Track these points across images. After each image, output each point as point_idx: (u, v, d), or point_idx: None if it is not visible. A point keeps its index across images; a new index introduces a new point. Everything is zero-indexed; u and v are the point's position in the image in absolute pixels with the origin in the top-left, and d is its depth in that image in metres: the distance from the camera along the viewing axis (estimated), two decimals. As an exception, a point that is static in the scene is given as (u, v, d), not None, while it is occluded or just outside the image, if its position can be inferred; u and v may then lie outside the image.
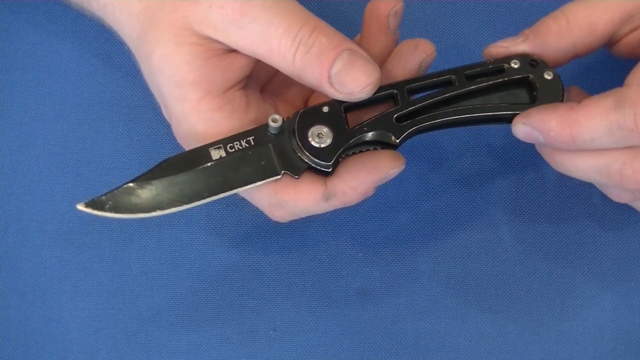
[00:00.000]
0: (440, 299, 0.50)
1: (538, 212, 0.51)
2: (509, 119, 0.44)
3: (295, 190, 0.44)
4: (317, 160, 0.43)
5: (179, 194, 0.42)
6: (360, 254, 0.51)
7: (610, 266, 0.50)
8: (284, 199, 0.44)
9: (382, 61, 0.46)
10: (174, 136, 0.47)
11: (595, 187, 0.51)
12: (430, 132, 0.45)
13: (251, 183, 0.43)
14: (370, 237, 0.51)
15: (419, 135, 0.45)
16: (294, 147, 0.43)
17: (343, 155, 0.44)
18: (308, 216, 0.48)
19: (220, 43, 0.43)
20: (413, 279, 0.50)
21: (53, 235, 0.51)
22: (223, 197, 0.43)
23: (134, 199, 0.42)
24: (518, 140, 0.52)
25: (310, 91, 0.48)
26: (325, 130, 0.43)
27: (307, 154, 0.43)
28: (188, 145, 0.46)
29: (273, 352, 0.49)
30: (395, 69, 0.45)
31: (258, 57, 0.43)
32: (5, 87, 0.54)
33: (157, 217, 0.43)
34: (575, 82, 0.46)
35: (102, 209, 0.42)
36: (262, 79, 0.48)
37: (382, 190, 0.48)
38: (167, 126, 0.47)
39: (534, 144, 0.45)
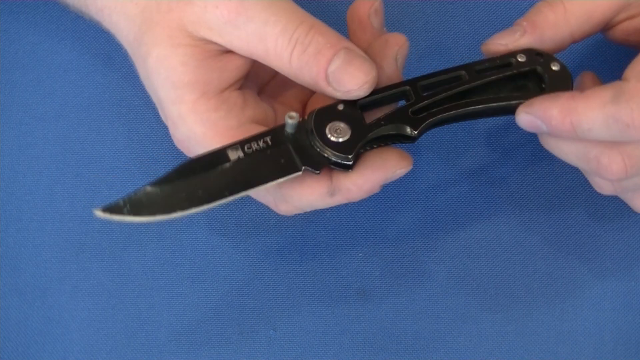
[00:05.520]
0: (440, 299, 0.50)
1: (538, 212, 0.51)
2: None
3: (301, 186, 0.43)
4: (337, 154, 0.43)
5: (199, 194, 0.42)
6: (360, 254, 0.51)
7: (610, 266, 0.50)
8: (289, 193, 0.44)
9: None
10: (173, 137, 0.47)
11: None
12: (442, 128, 0.45)
13: (272, 180, 0.42)
14: (370, 237, 0.51)
15: (428, 132, 0.45)
16: (312, 144, 0.43)
17: (361, 150, 0.44)
18: (309, 216, 0.48)
19: (216, 44, 0.43)
20: (413, 279, 0.50)
21: (53, 235, 0.51)
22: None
23: (153, 201, 0.41)
24: (519, 139, 0.53)
25: (308, 94, 0.48)
26: (342, 125, 0.43)
27: (327, 148, 0.43)
28: (186, 148, 0.46)
29: (273, 352, 0.49)
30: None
31: (254, 57, 0.43)
32: (5, 87, 0.54)
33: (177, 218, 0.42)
34: (574, 69, 0.46)
35: (120, 213, 0.41)
36: (260, 81, 0.48)
37: (383, 191, 0.48)
38: (166, 126, 0.47)
39: (529, 145, 0.45)
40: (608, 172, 0.42)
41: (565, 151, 0.44)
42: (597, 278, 0.50)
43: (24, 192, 0.52)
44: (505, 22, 0.54)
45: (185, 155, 0.47)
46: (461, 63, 0.45)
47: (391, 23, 0.47)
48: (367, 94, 0.43)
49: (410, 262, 0.51)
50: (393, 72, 0.45)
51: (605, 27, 0.46)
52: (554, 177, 0.52)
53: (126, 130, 0.53)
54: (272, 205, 0.46)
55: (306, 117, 0.44)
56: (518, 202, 0.52)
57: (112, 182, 0.52)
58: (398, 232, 0.51)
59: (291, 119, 0.42)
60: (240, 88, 0.46)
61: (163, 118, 0.47)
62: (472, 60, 0.45)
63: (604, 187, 0.46)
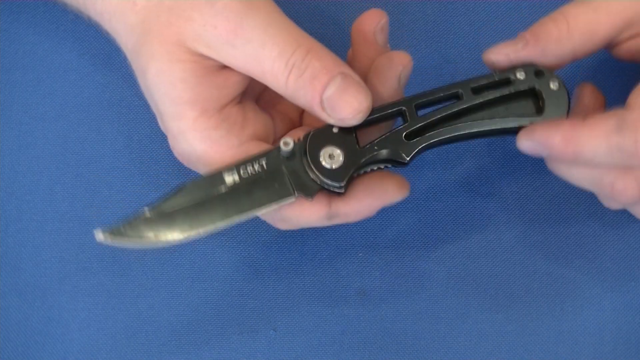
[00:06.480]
0: (440, 299, 0.50)
1: (538, 212, 0.51)
2: (516, 131, 0.44)
3: (300, 209, 0.44)
4: (330, 183, 0.43)
5: (196, 223, 0.43)
6: (360, 254, 0.51)
7: (610, 266, 0.50)
8: (288, 215, 0.44)
9: None
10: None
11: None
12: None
13: (265, 206, 0.43)
14: (370, 237, 0.51)
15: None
16: (306, 169, 0.43)
17: (355, 174, 0.44)
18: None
19: (214, 60, 0.43)
20: (413, 279, 0.50)
21: (53, 235, 0.51)
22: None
23: (152, 229, 0.43)
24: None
25: None
26: (336, 151, 0.43)
27: (320, 176, 0.43)
28: (188, 161, 0.46)
29: (273, 352, 0.49)
30: (375, 85, 0.44)
31: (251, 75, 0.43)
32: (5, 87, 0.54)
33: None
34: (576, 82, 0.46)
35: (122, 240, 0.43)
36: (258, 88, 0.48)
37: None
38: (167, 126, 0.47)
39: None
40: (623, 197, 0.43)
41: (577, 177, 0.44)
42: (597, 278, 0.50)
43: (24, 192, 0.52)
44: (505, 23, 0.54)
45: (184, 166, 0.47)
46: (460, 64, 0.45)
47: (391, 23, 0.46)
48: (360, 122, 0.43)
49: (410, 262, 0.51)
50: (395, 91, 0.45)
51: (610, 45, 0.46)
52: (555, 177, 0.52)
53: (126, 130, 0.53)
54: (271, 223, 0.46)
55: (302, 138, 0.44)
56: (518, 202, 0.52)
57: (112, 182, 0.52)
58: (398, 232, 0.51)
59: (286, 146, 0.43)
60: (240, 101, 0.46)
61: (163, 129, 0.47)
62: (473, 60, 0.45)
63: (614, 206, 0.46)
